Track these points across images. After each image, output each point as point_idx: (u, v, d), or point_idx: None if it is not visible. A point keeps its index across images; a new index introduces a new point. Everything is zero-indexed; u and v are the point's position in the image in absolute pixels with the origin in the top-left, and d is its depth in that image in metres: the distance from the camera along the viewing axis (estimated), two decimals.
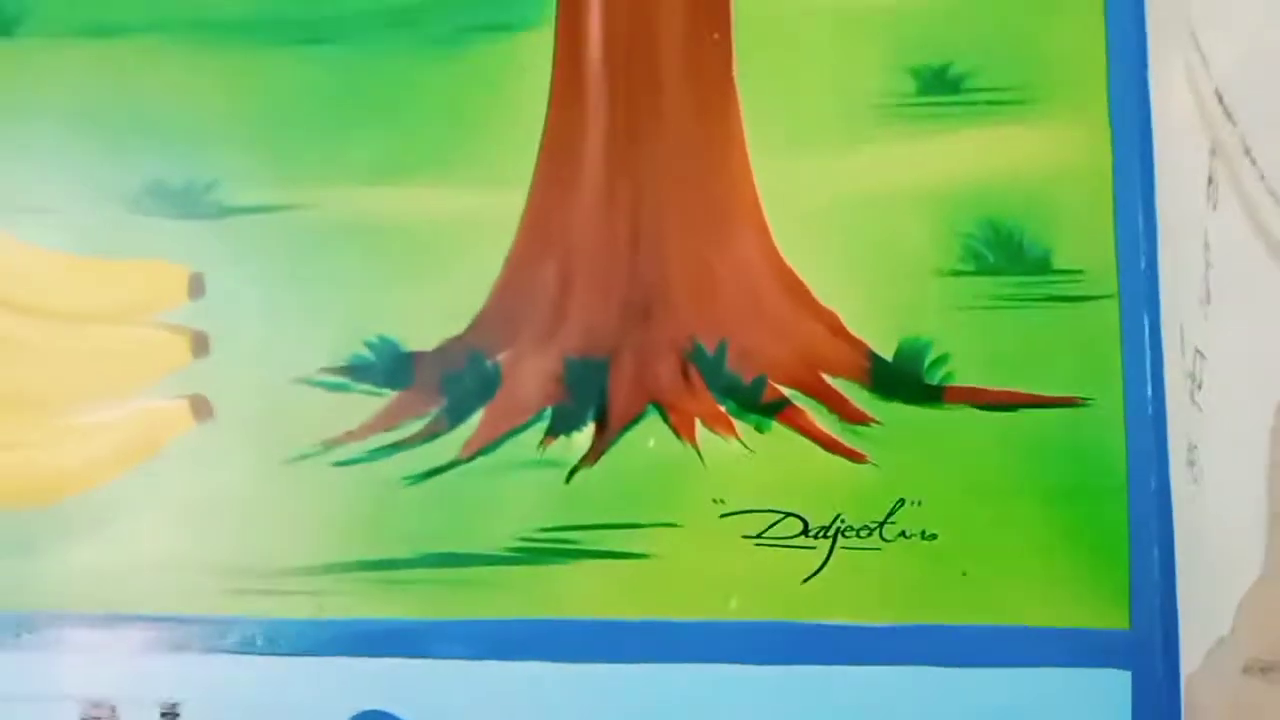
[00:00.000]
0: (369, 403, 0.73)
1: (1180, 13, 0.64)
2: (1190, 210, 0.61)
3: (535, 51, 0.76)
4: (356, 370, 0.73)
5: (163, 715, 0.71)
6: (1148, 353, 0.67)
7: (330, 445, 0.72)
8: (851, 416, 0.70)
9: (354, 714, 0.70)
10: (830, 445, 0.69)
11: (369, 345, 0.73)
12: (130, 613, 0.72)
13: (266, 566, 0.72)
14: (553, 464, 0.71)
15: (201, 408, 0.74)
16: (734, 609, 0.69)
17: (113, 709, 0.71)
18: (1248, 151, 0.53)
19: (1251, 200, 0.54)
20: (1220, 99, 0.58)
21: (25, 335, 0.77)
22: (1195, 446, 0.62)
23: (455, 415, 0.72)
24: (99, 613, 0.72)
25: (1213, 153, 0.59)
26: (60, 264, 0.78)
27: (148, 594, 0.72)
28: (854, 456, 0.69)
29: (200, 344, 0.74)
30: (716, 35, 0.74)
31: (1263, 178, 0.52)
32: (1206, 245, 0.59)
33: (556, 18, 0.76)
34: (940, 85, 0.73)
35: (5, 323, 0.77)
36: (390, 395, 0.72)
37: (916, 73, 0.74)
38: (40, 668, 0.72)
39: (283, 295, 0.74)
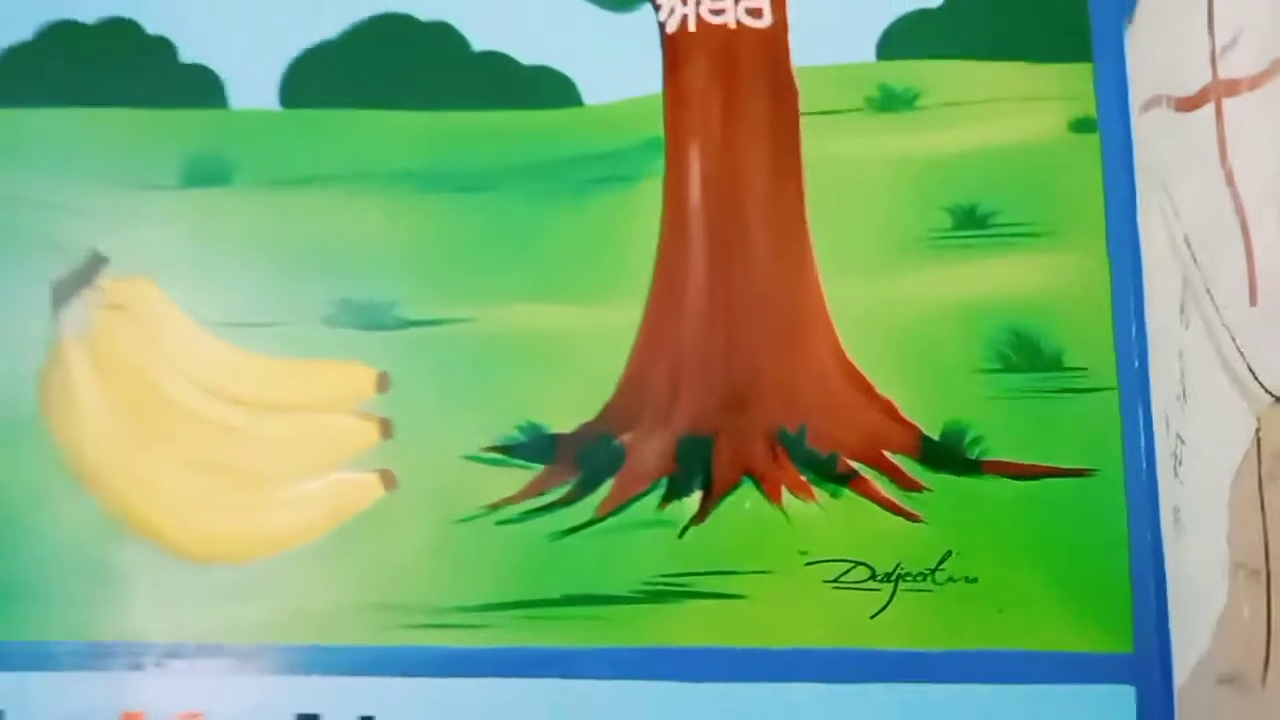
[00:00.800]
0: (521, 475, 0.92)
1: (1158, 169, 0.83)
2: (1169, 326, 0.79)
3: (648, 199, 0.97)
4: (512, 449, 0.92)
5: None
6: (1141, 434, 0.86)
7: (492, 509, 0.91)
8: (907, 485, 0.89)
9: None
10: (891, 507, 0.88)
11: (520, 429, 0.93)
12: (332, 644, 0.91)
13: (441, 605, 0.91)
14: (668, 523, 0.91)
15: (388, 479, 0.94)
16: (818, 637, 0.87)
17: (319, 717, 0.90)
18: (1208, 290, 0.72)
19: (1212, 325, 0.72)
20: (1187, 243, 0.77)
21: (241, 423, 0.98)
22: (1179, 509, 0.79)
23: (589, 484, 0.92)
24: (307, 644, 0.91)
25: (1184, 284, 0.78)
26: (271, 367, 0.99)
27: (347, 629, 0.91)
28: (910, 517, 0.88)
29: (386, 428, 0.95)
30: (791, 185, 0.95)
31: (1218, 310, 0.71)
32: (1180, 355, 0.78)
33: (665, 172, 0.97)
34: (970, 221, 0.93)
35: (226, 413, 0.98)
36: (539, 469, 0.92)
37: (951, 211, 0.94)
38: (260, 688, 0.92)
39: (452, 389, 0.95)
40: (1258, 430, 0.59)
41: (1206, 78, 0.67)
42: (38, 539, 0.94)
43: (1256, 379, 0.60)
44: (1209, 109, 0.67)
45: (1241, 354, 0.62)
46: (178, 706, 0.90)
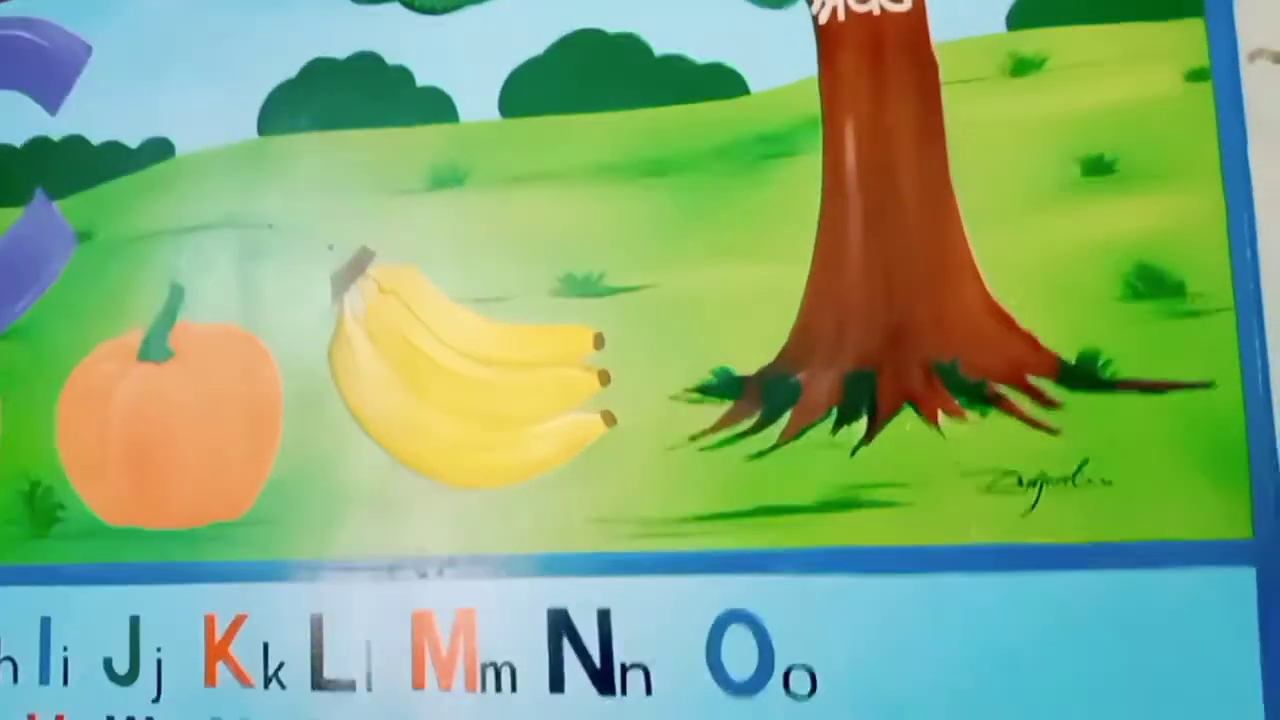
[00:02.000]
0: (716, 410, 1.11)
1: (1264, 115, 0.94)
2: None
3: (811, 170, 1.13)
4: (708, 389, 1.12)
5: (599, 613, 1.12)
6: (1258, 351, 0.97)
7: (695, 438, 1.11)
8: (1048, 404, 1.03)
9: (721, 612, 1.09)
10: (1034, 423, 1.03)
11: (714, 372, 1.12)
12: (572, 551, 1.14)
13: (657, 518, 1.11)
14: (841, 445, 1.08)
15: (609, 418, 1.15)
16: (973, 535, 1.04)
17: (566, 611, 1.13)
18: None
19: None
20: None
21: (490, 377, 1.21)
22: None
23: (772, 416, 1.10)
24: (553, 553, 1.14)
25: None
26: (511, 332, 1.21)
27: (583, 539, 1.14)
28: (1050, 430, 1.02)
29: (605, 378, 1.16)
30: (935, 149, 1.09)
31: None
32: None
33: (824, 146, 1.13)
34: (1098, 169, 1.06)
35: (478, 370, 1.21)
36: (730, 404, 1.11)
37: (1081, 162, 1.07)
38: (517, 589, 1.15)
39: (655, 342, 1.14)
40: None
41: None
42: (339, 481, 1.20)
43: None
44: None
45: None
46: (456, 605, 1.14)
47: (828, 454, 1.03)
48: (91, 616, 1.24)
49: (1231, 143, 0.96)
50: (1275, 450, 0.91)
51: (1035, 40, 1.04)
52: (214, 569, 1.21)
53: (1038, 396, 0.99)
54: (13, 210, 1.38)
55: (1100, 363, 0.98)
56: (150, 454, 1.26)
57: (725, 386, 1.07)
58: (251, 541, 1.21)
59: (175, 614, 1.21)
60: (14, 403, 1.33)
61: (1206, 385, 0.95)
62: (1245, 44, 0.95)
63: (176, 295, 1.28)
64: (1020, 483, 0.98)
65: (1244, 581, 0.92)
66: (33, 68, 1.41)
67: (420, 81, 1.23)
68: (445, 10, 1.24)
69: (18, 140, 1.39)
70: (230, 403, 1.24)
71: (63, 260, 1.36)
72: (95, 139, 1.36)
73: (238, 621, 1.19)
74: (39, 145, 1.38)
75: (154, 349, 1.28)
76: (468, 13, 1.22)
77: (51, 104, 1.40)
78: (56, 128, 1.38)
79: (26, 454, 1.31)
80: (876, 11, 1.08)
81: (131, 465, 1.26)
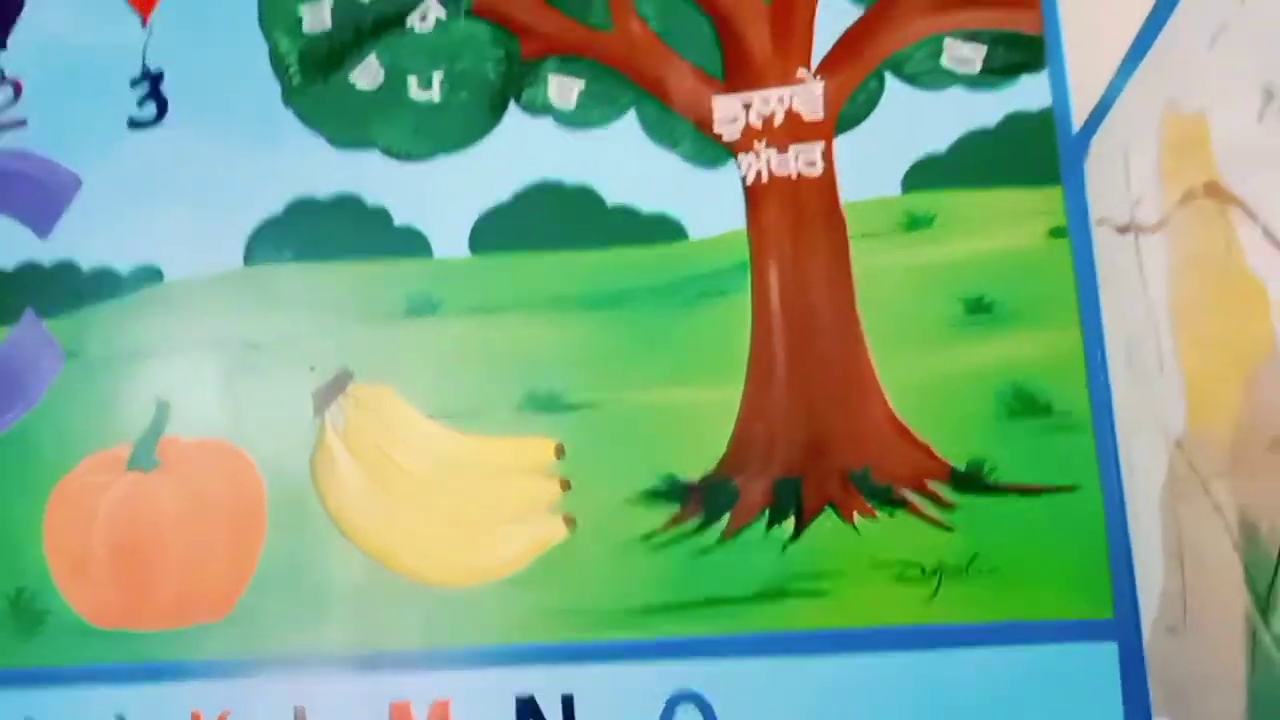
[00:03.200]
0: (666, 511, 1.27)
1: (1108, 270, 1.17)
2: (1124, 381, 1.12)
3: (741, 305, 1.31)
4: (657, 494, 1.27)
5: (563, 699, 1.25)
6: (1111, 461, 1.17)
7: (647, 537, 1.26)
8: (943, 504, 1.22)
9: (671, 693, 1.24)
10: (933, 521, 1.21)
11: (661, 479, 1.28)
12: (538, 642, 1.27)
13: (616, 609, 1.25)
14: (773, 542, 1.24)
15: (570, 521, 1.30)
16: (886, 619, 1.21)
17: (533, 698, 1.26)
18: (1141, 362, 1.05)
19: (1144, 384, 1.05)
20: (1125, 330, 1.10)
21: (461, 484, 1.35)
22: (1138, 514, 1.12)
23: (713, 516, 1.26)
24: (521, 643, 1.28)
25: (1128, 352, 1.10)
26: (480, 443, 1.36)
27: (548, 630, 1.27)
28: (946, 527, 1.20)
29: (565, 485, 1.31)
30: (844, 289, 1.29)
31: (1146, 379, 1.03)
32: (1132, 406, 1.10)
33: (752, 286, 1.31)
34: (978, 308, 1.26)
35: (449, 477, 1.36)
36: (676, 507, 1.28)
37: (964, 301, 1.27)
38: (487, 677, 1.28)
39: (609, 453, 1.30)
40: (1169, 463, 0.92)
41: (1128, 217, 1.00)
42: (319, 581, 1.31)
43: (1164, 430, 0.93)
44: (1131, 237, 1.01)
45: (1157, 411, 0.95)
46: (432, 696, 1.26)
47: (762, 551, 1.20)
48: (78, 717, 1.31)
49: (1086, 288, 1.17)
50: (1129, 543, 1.10)
51: (925, 201, 1.25)
52: (199, 667, 1.31)
53: (935, 499, 1.17)
54: (1, 329, 1.47)
55: (985, 469, 1.17)
56: (137, 558, 1.35)
57: (672, 491, 1.23)
58: (235, 640, 1.31)
59: (162, 712, 1.29)
60: (1, 511, 1.40)
61: (1071, 489, 1.14)
62: (1095, 209, 1.17)
63: (163, 410, 1.39)
64: (923, 572, 1.16)
65: (1108, 655, 1.10)
66: (25, 196, 1.53)
67: (398, 221, 1.38)
68: (421, 158, 1.40)
69: (9, 264, 1.49)
70: (215, 509, 1.34)
71: (51, 376, 1.46)
72: (85, 264, 1.47)
73: (222, 717, 1.28)
74: (29, 268, 1.48)
75: (142, 459, 1.38)
76: (441, 161, 1.39)
77: (42, 230, 1.51)
78: (48, 253, 1.49)
79: (13, 560, 1.39)
80: (794, 175, 1.29)
81: (118, 569, 1.35)
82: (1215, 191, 0.71)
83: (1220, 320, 0.74)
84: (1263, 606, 0.68)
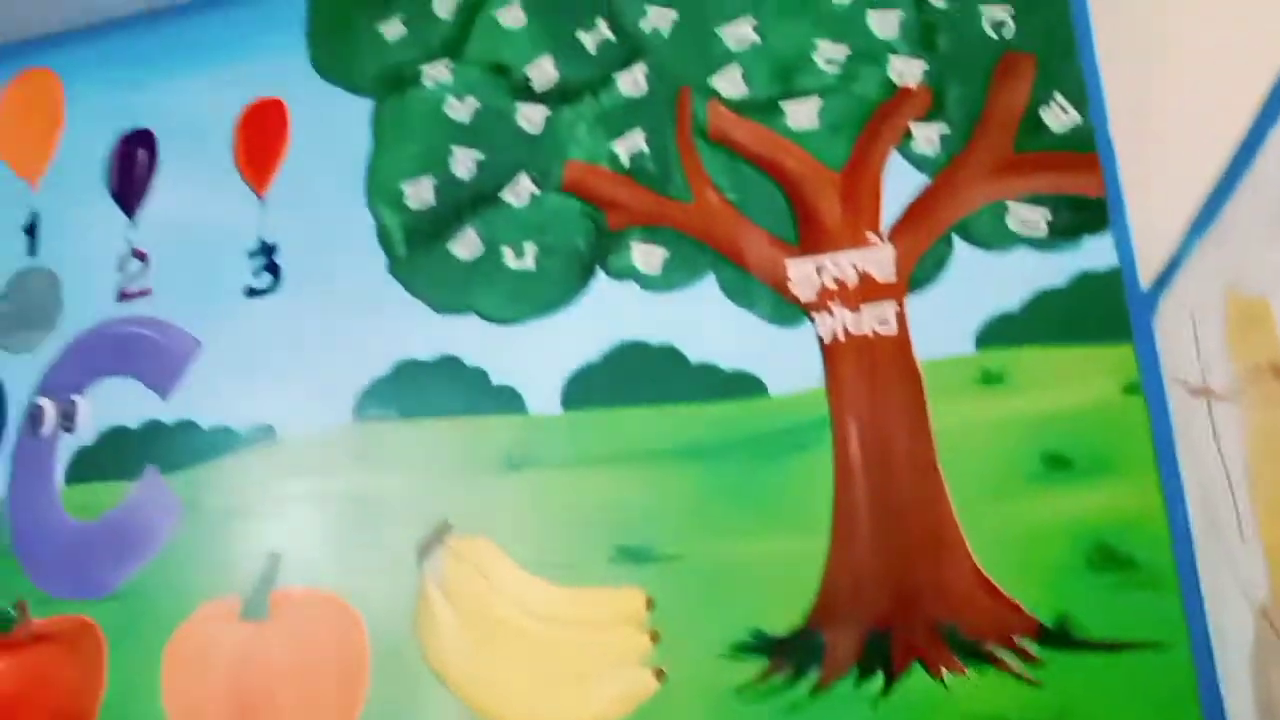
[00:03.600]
0: (756, 664, 1.31)
1: (1183, 427, 1.20)
2: (1208, 537, 1.14)
3: (822, 460, 1.36)
4: (745, 647, 1.31)
5: None
6: (1198, 615, 1.19)
7: (740, 690, 1.30)
8: (1031, 660, 1.23)
9: None
10: (1021, 677, 1.23)
11: (749, 631, 1.32)
12: None
13: None
14: (865, 697, 1.27)
15: (660, 674, 1.34)
16: None
17: None
18: (1218, 520, 1.07)
19: (1223, 541, 1.07)
20: (1200, 485, 1.13)
21: (557, 636, 1.40)
22: (1226, 672, 1.12)
23: (802, 670, 1.29)
24: None
25: (1203, 508, 1.13)
26: (574, 594, 1.41)
27: None
28: (1034, 683, 1.22)
29: (655, 637, 1.35)
30: (923, 443, 1.34)
31: (1223, 536, 1.06)
32: (1214, 566, 1.12)
33: (834, 441, 1.37)
34: (1057, 463, 1.30)
35: (545, 629, 1.41)
36: (766, 660, 1.31)
37: (1042, 456, 1.31)
38: None
39: (698, 606, 1.35)
40: (1256, 628, 0.94)
41: (1200, 381, 1.04)
42: None
43: (1248, 595, 0.95)
44: (1203, 401, 1.05)
45: (1240, 575, 0.97)
46: None
47: (853, 706, 1.23)
48: None
49: (1163, 444, 1.20)
50: (1221, 703, 1.11)
51: (999, 358, 1.30)
52: None
53: (1023, 654, 1.19)
54: (125, 484, 1.58)
55: (1071, 626, 1.19)
56: (250, 708, 1.42)
57: (761, 645, 1.27)
58: None
59: None
60: (120, 658, 1.49)
61: (1158, 645, 1.16)
62: (1167, 366, 1.21)
63: (274, 562, 1.47)
64: None
65: None
66: (149, 359, 1.65)
67: (494, 380, 1.48)
68: (515, 321, 1.50)
69: (134, 423, 1.61)
70: (323, 660, 1.41)
71: (170, 529, 1.55)
72: (204, 423, 1.58)
73: None
74: (152, 427, 1.60)
75: (255, 610, 1.46)
76: (534, 324, 1.49)
77: (164, 391, 1.63)
78: (170, 412, 1.60)
79: (132, 706, 1.46)
80: (870, 334, 1.35)
81: (231, 716, 1.42)
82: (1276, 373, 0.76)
83: None
84: None
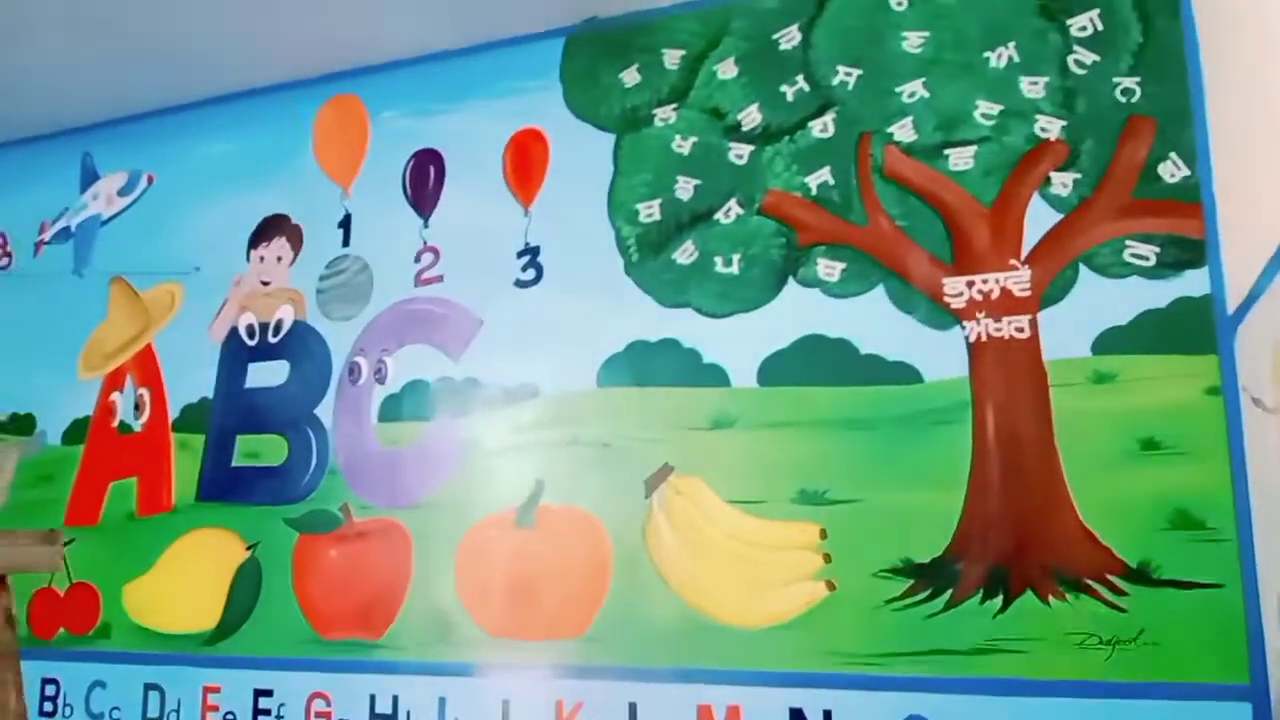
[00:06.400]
0: (904, 583, 1.74)
1: (1253, 431, 1.57)
2: (1269, 512, 1.52)
3: (964, 434, 1.76)
4: (897, 570, 1.75)
5: (824, 712, 1.74)
6: (1254, 560, 1.57)
7: (889, 601, 1.72)
8: (1118, 592, 1.62)
9: (904, 716, 1.69)
10: (1110, 605, 1.59)
11: (900, 559, 1.75)
12: (805, 670, 1.76)
13: (864, 653, 1.71)
14: (986, 612, 1.67)
15: (831, 585, 1.78)
16: (1070, 674, 1.63)
17: (801, 710, 1.75)
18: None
19: None
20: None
21: (753, 555, 1.87)
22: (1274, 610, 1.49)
23: (940, 590, 1.71)
24: (794, 670, 1.77)
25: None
26: (766, 524, 1.86)
27: (818, 662, 1.76)
28: (1121, 609, 1.60)
29: (827, 559, 1.80)
30: (1045, 426, 1.74)
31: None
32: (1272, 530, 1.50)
33: (973, 421, 1.78)
34: (1150, 445, 1.68)
35: (743, 549, 1.87)
36: (911, 581, 1.74)
37: (1139, 440, 1.69)
38: (764, 695, 1.77)
39: (861, 539, 1.79)
40: None
41: (1259, 394, 1.42)
42: (649, 617, 1.84)
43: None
44: (1259, 411, 1.42)
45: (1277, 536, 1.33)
46: (728, 702, 1.76)
47: (976, 618, 1.62)
48: (477, 700, 1.90)
49: (1234, 436, 1.56)
50: (1262, 629, 1.49)
51: (1110, 362, 1.67)
52: (564, 669, 1.87)
53: (1113, 588, 1.58)
54: (423, 423, 2.11)
55: (1152, 568, 1.57)
56: (521, 589, 1.93)
57: (909, 569, 1.69)
58: (588, 653, 1.86)
59: (534, 699, 1.86)
60: (423, 552, 2.03)
61: (1219, 586, 1.53)
62: (1242, 376, 1.58)
63: (540, 486, 1.98)
64: (1101, 642, 1.56)
65: (1244, 712, 1.47)
66: (442, 330, 2.17)
67: (706, 359, 1.92)
68: (723, 315, 1.94)
69: (430, 378, 2.14)
70: (576, 558, 1.90)
71: (458, 459, 2.08)
72: (484, 381, 2.09)
73: (578, 707, 1.84)
74: (444, 382, 2.12)
75: (525, 520, 1.97)
76: (738, 318, 1.92)
77: (454, 355, 2.16)
78: (459, 372, 2.13)
79: (433, 588, 2.00)
80: (1007, 337, 1.75)
81: (509, 598, 1.94)
82: None
83: None
84: None
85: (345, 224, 2.26)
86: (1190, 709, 1.45)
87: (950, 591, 1.60)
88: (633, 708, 1.74)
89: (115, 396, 2.36)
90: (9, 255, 2.62)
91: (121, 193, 2.51)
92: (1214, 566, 1.51)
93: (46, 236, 2.58)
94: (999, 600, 1.58)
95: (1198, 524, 1.51)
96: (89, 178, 2.56)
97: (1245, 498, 1.47)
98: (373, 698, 1.90)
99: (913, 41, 1.84)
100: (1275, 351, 1.20)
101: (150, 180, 2.48)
